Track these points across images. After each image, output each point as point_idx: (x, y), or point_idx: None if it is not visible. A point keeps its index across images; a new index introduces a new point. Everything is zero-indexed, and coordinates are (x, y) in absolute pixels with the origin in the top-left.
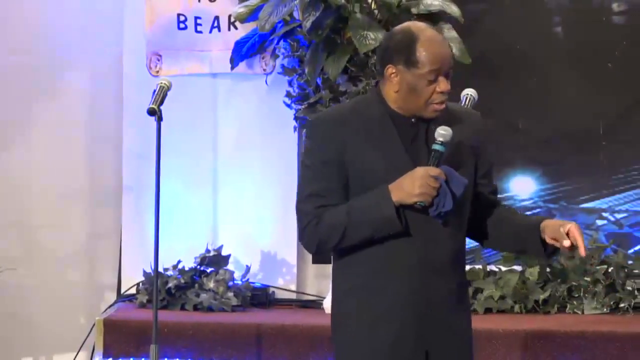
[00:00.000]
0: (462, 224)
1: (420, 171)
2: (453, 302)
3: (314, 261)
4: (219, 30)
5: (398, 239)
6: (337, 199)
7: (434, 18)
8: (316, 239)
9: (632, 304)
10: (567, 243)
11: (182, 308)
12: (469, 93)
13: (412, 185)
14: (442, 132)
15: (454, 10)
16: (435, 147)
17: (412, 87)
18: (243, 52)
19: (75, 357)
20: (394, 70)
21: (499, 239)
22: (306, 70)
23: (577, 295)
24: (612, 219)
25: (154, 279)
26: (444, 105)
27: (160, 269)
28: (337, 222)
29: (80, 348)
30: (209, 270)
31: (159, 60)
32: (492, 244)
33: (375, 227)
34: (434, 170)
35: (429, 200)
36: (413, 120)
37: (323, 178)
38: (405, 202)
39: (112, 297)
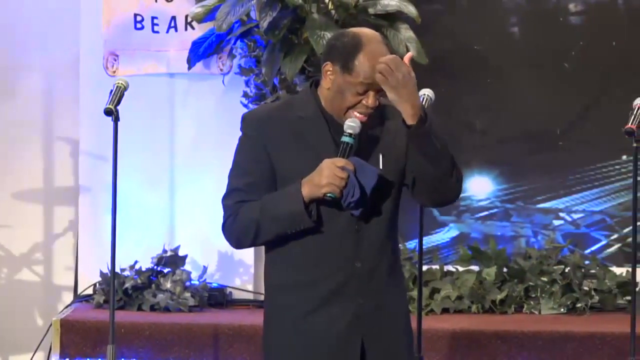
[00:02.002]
0: (390, 208)
1: (326, 162)
2: (386, 286)
3: None
4: (176, 30)
5: (325, 233)
6: (258, 194)
7: (391, 18)
8: (234, 234)
9: (589, 304)
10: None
11: (139, 308)
12: (425, 93)
13: (319, 177)
14: (351, 124)
15: (411, 10)
16: (344, 139)
17: (341, 90)
18: (200, 52)
19: (32, 357)
20: (330, 69)
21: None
22: (263, 71)
23: (534, 296)
24: (569, 219)
25: (111, 280)
26: (365, 118)
27: (117, 270)
28: (251, 218)
29: (37, 349)
30: (165, 270)
31: (115, 60)
32: (420, 189)
33: (286, 222)
34: (339, 161)
35: (337, 192)
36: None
37: (245, 173)
38: (316, 195)
39: (68, 297)
